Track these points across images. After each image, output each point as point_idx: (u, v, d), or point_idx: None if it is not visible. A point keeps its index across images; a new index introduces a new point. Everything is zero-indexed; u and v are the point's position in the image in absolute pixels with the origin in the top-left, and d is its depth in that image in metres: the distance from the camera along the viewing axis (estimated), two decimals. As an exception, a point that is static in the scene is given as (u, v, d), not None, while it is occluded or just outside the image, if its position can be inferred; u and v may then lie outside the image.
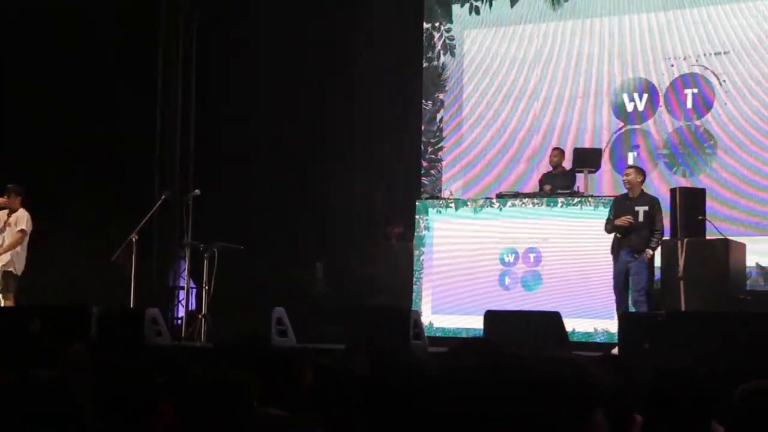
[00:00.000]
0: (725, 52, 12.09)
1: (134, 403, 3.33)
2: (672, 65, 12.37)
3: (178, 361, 6.05)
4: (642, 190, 9.52)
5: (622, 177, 9.71)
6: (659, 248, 9.70)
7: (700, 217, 10.01)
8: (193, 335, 10.17)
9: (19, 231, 10.26)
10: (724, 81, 12.05)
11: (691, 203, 10.07)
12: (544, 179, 10.80)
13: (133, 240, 10.20)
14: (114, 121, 12.12)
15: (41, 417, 2.27)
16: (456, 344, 1.57)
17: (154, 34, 12.89)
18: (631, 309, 9.12)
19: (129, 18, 12.28)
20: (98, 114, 12.04)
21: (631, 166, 10.03)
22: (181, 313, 12.17)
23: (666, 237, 10.11)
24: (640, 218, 9.34)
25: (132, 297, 10.20)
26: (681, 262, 9.78)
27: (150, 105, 12.79)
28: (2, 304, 10.18)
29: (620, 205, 9.43)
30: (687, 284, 9.62)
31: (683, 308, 9.29)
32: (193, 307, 11.63)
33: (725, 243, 9.87)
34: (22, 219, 10.31)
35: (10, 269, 10.25)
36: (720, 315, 8.62)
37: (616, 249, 9.38)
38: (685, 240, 9.84)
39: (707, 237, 9.96)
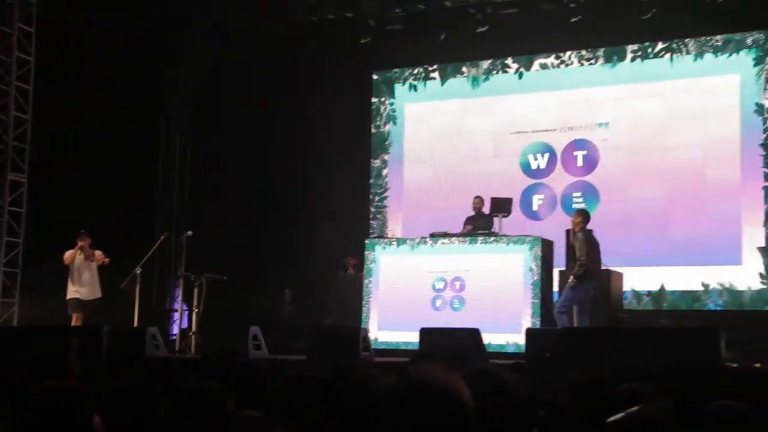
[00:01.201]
0: (606, 123, 12.28)
1: (136, 412, 3.27)
2: (566, 132, 12.52)
3: (175, 372, 5.96)
4: (578, 228, 9.58)
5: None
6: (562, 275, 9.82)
7: (588, 252, 10.10)
8: (185, 349, 10.06)
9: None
10: (604, 141, 12.21)
11: (582, 241, 10.17)
12: (468, 221, 10.81)
13: (137, 272, 10.13)
14: (123, 177, 12.02)
15: (63, 424, 2.23)
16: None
17: (156, 95, 12.82)
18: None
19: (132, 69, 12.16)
20: (113, 168, 11.92)
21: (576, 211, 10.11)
22: (176, 330, 12.04)
23: (561, 268, 10.21)
24: (577, 247, 9.48)
25: (136, 318, 10.09)
26: (574, 288, 9.85)
27: (152, 162, 12.74)
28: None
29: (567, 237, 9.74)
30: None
31: (576, 325, 9.36)
32: (185, 325, 11.50)
33: (607, 272, 9.97)
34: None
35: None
36: (604, 330, 8.73)
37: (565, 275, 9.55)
38: (577, 270, 9.91)
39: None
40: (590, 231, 9.65)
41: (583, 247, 9.36)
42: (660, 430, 2.22)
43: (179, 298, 11.53)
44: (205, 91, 13.05)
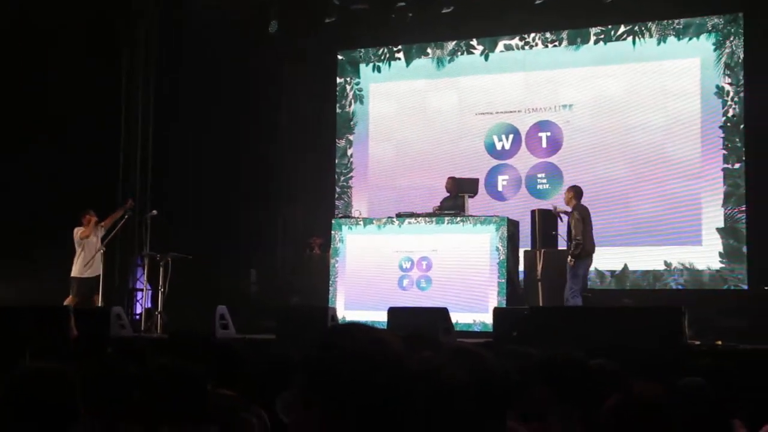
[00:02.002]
0: (570, 105, 12.36)
1: (110, 392, 3.22)
2: (530, 113, 12.57)
3: (144, 351, 5.89)
4: (575, 203, 9.57)
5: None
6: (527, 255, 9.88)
7: (553, 232, 10.20)
8: (150, 328, 9.96)
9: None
10: (568, 122, 12.28)
11: (546, 221, 10.26)
12: (443, 202, 10.78)
13: (102, 252, 9.99)
14: (85, 155, 11.81)
15: (46, 403, 2.18)
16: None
17: (116, 73, 12.60)
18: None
19: (93, 50, 11.93)
20: (72, 148, 11.71)
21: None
22: (139, 310, 11.92)
23: (527, 248, 10.27)
24: (570, 228, 9.50)
25: (100, 297, 9.96)
26: (539, 268, 9.94)
27: (114, 140, 12.54)
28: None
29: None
30: (544, 285, 9.79)
31: (542, 304, 9.44)
32: (149, 305, 11.39)
33: (571, 253, 10.04)
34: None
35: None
36: (570, 309, 8.81)
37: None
38: (542, 250, 10.01)
39: (559, 248, 10.13)
40: (585, 207, 9.64)
41: (579, 226, 9.37)
42: (653, 411, 2.23)
43: (143, 278, 11.40)
44: (168, 70, 12.85)
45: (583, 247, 9.33)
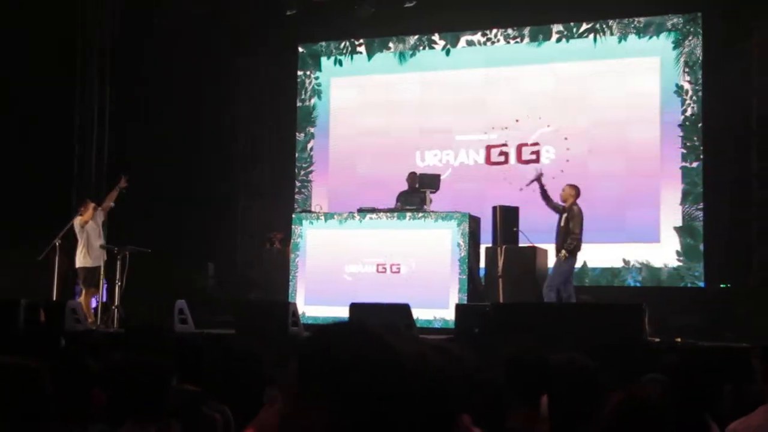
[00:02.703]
0: (531, 102, 12.39)
1: (74, 388, 3.14)
2: (492, 110, 12.60)
3: (99, 346, 5.79)
4: (573, 201, 9.57)
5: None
6: (488, 251, 9.90)
7: (514, 229, 10.22)
8: (107, 322, 9.79)
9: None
10: (530, 119, 12.33)
11: (508, 218, 10.28)
12: (401, 196, 10.76)
13: (57, 244, 9.82)
14: (36, 142, 11.59)
15: (19, 400, 2.11)
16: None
17: (72, 64, 12.37)
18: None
19: (48, 46, 11.70)
20: (22, 135, 11.48)
21: (566, 185, 9.92)
22: (93, 304, 11.72)
23: (488, 244, 10.28)
24: (562, 223, 9.48)
25: (55, 291, 9.79)
26: (500, 264, 9.96)
27: (69, 131, 12.32)
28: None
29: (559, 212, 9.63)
30: (504, 281, 9.80)
31: (502, 300, 9.46)
32: (105, 299, 11.20)
33: (533, 249, 10.08)
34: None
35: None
36: (529, 305, 8.86)
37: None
38: (503, 246, 10.03)
39: (520, 244, 10.17)
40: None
41: (579, 222, 9.42)
42: (652, 410, 2.24)
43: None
44: (125, 63, 12.64)
45: (578, 244, 9.42)
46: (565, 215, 9.56)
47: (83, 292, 10.09)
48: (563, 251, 9.43)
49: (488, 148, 12.55)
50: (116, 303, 9.89)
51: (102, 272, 10.13)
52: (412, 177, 10.87)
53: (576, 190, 9.73)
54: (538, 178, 9.83)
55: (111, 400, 3.23)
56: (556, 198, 9.83)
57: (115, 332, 8.86)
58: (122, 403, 3.12)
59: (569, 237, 9.42)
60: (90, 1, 12.50)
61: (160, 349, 4.19)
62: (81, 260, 10.10)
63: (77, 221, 10.15)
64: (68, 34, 12.23)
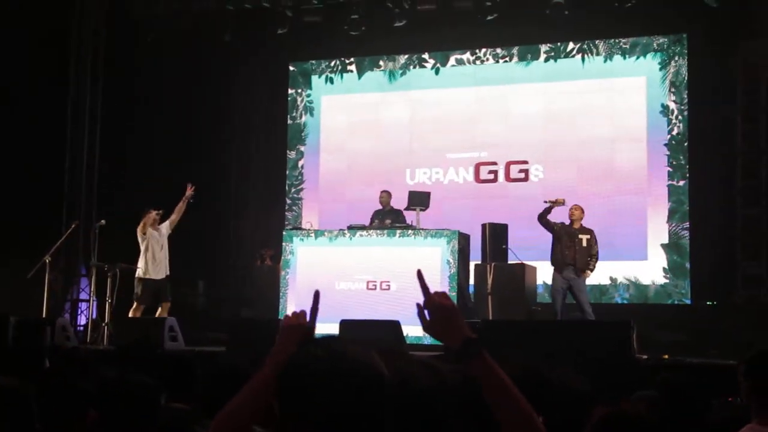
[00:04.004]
0: (519, 120, 12.45)
1: (66, 408, 3.12)
2: (481, 127, 12.64)
3: (87, 364, 5.73)
4: (581, 223, 9.71)
5: (571, 211, 9.82)
6: (478, 269, 9.91)
7: (503, 246, 10.25)
8: (96, 340, 9.74)
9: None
10: (519, 137, 12.38)
11: (497, 235, 10.31)
12: (375, 215, 10.73)
13: (47, 261, 9.77)
14: (29, 161, 11.55)
15: (3, 419, 2.10)
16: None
17: (63, 81, 12.36)
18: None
19: (40, 59, 11.68)
20: (15, 153, 11.44)
21: (576, 205, 9.97)
22: (82, 321, 11.67)
23: (477, 261, 10.29)
24: (583, 244, 9.58)
25: (44, 308, 9.74)
26: (489, 281, 9.97)
27: (59, 147, 12.29)
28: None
29: (565, 231, 9.64)
30: (494, 298, 9.81)
31: (491, 317, 9.47)
32: (95, 316, 11.14)
33: (522, 266, 10.10)
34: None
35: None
36: (519, 323, 8.86)
37: (559, 264, 9.57)
38: (493, 264, 10.05)
39: (509, 261, 10.18)
40: None
41: (594, 242, 9.60)
42: (638, 424, 2.24)
43: (88, 288, 11.16)
44: (117, 79, 12.65)
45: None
46: (587, 236, 9.68)
47: (134, 306, 9.91)
48: (588, 270, 9.63)
49: (477, 166, 12.59)
50: (106, 321, 9.84)
51: (167, 287, 10.02)
52: (386, 195, 10.83)
53: (583, 211, 9.86)
54: (553, 205, 9.86)
55: (101, 420, 3.21)
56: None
57: (104, 349, 8.81)
58: (112, 422, 3.09)
59: (593, 257, 9.61)
60: (78, 26, 12.51)
61: (149, 367, 4.16)
62: (140, 270, 9.95)
63: (138, 230, 10.08)
64: (59, 56, 12.21)
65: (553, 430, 3.15)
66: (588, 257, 9.63)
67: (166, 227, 10.20)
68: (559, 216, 9.91)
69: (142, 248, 9.97)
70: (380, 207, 10.86)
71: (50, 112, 12.12)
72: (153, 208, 10.16)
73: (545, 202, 9.82)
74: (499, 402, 1.85)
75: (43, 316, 9.60)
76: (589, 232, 9.74)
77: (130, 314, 9.76)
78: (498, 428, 3.35)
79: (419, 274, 2.08)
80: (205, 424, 3.93)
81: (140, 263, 9.94)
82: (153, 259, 9.95)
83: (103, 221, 10.53)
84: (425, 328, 1.99)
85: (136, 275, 9.95)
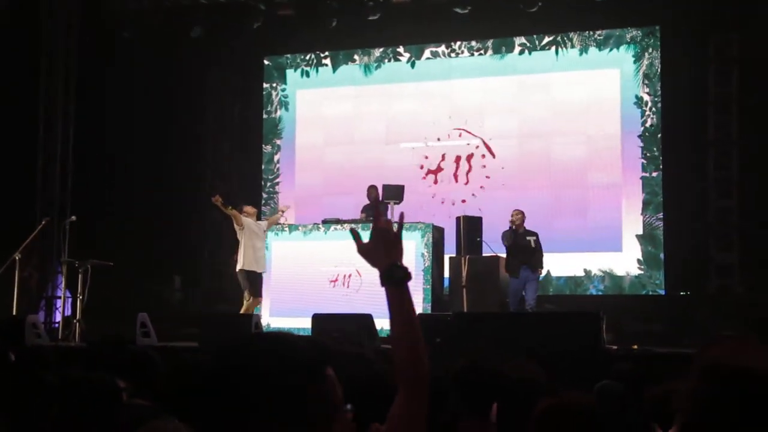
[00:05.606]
0: (495, 113, 12.48)
1: (28, 404, 3.11)
2: (456, 121, 12.65)
3: (50, 361, 5.69)
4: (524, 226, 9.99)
5: (511, 217, 9.98)
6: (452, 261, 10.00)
7: (478, 239, 10.27)
8: (68, 337, 9.68)
9: None
10: (494, 130, 12.43)
11: (471, 228, 10.32)
12: (364, 210, 10.75)
13: (17, 258, 9.70)
14: (1, 158, 11.45)
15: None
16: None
17: (36, 77, 12.26)
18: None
19: (12, 55, 11.58)
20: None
21: (517, 210, 10.13)
22: (57, 318, 11.60)
23: (452, 254, 10.31)
24: (533, 245, 9.80)
25: (15, 305, 9.67)
26: (464, 274, 9.99)
27: (32, 144, 12.20)
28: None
29: (514, 236, 9.88)
30: (468, 291, 9.84)
31: (465, 310, 9.49)
32: (69, 313, 11.07)
33: (496, 259, 10.15)
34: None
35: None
36: (493, 315, 8.90)
37: (515, 267, 9.76)
38: (467, 256, 10.07)
39: (484, 254, 10.21)
40: None
41: (540, 243, 9.97)
42: (582, 416, 2.26)
43: (62, 285, 11.08)
44: (91, 75, 12.55)
45: None
46: (533, 238, 9.86)
47: (248, 300, 9.92)
48: (540, 270, 9.93)
49: (458, 158, 12.60)
50: (78, 317, 9.78)
51: (261, 281, 10.06)
52: (373, 190, 10.87)
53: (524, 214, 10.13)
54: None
55: (61, 416, 3.20)
56: (506, 224, 10.02)
57: (76, 346, 8.76)
58: (72, 419, 3.08)
59: (540, 255, 9.88)
60: (50, 21, 12.41)
61: (117, 364, 4.15)
62: (239, 263, 10.04)
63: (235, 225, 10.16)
64: (31, 52, 12.12)
65: (505, 419, 3.18)
66: (537, 255, 9.88)
67: (264, 224, 10.43)
68: (501, 223, 10.06)
69: (240, 241, 10.13)
70: (368, 202, 10.86)
71: (22, 108, 12.04)
72: (243, 206, 10.43)
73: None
74: (401, 338, 1.96)
75: (14, 313, 9.53)
76: (534, 232, 9.97)
77: (243, 309, 9.81)
78: (457, 420, 3.37)
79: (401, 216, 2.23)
80: (168, 421, 3.93)
81: (239, 256, 10.08)
82: (248, 251, 10.04)
83: (74, 217, 10.45)
84: (358, 250, 2.07)
85: (237, 268, 10.07)
